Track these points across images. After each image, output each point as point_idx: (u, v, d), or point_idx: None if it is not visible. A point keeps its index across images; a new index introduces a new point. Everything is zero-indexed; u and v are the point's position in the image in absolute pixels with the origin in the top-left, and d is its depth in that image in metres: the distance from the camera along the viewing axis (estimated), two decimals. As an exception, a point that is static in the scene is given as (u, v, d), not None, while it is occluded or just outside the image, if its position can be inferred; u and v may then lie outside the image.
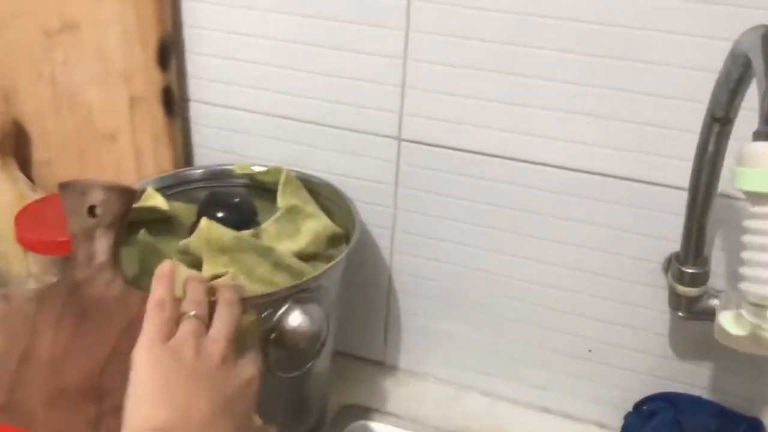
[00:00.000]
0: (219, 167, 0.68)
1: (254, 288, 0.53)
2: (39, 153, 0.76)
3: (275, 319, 0.52)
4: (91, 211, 0.52)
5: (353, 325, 0.74)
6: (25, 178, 0.75)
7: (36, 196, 0.74)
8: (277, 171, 0.64)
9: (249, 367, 0.45)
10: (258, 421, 0.46)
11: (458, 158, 0.62)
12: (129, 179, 0.72)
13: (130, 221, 0.60)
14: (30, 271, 0.69)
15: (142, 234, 0.55)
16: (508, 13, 0.56)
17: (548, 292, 0.65)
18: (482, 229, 0.65)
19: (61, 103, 0.71)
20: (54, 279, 0.69)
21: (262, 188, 0.66)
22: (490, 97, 0.59)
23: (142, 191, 0.64)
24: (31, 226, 0.66)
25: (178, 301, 0.45)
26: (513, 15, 0.56)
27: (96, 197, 0.52)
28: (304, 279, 0.54)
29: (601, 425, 0.69)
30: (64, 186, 0.53)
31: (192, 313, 0.44)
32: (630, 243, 0.60)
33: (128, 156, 0.71)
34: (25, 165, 0.77)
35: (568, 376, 0.69)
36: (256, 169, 0.66)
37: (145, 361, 0.41)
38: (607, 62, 0.55)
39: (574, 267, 0.63)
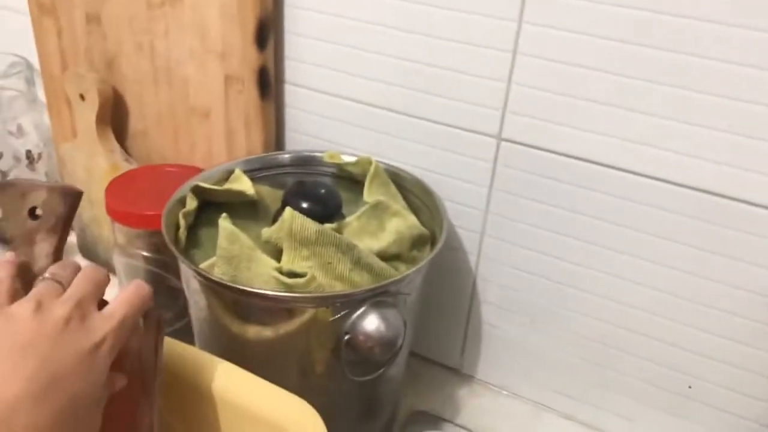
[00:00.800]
0: (308, 153, 0.66)
1: (332, 285, 0.51)
2: (135, 124, 0.76)
3: (350, 321, 0.49)
4: (32, 213, 0.47)
5: (431, 327, 0.71)
6: (121, 148, 0.76)
7: (129, 166, 0.75)
8: (366, 162, 0.61)
9: (97, 331, 0.37)
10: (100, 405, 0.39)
11: (561, 164, 0.57)
12: (220, 158, 0.71)
13: (216, 203, 0.59)
14: (116, 241, 0.70)
15: (224, 218, 0.53)
16: (633, 9, 0.50)
17: (647, 318, 0.59)
18: (579, 243, 0.60)
19: (158, 76, 0.71)
20: (140, 253, 0.70)
21: (350, 179, 0.64)
22: (602, 101, 0.54)
23: (230, 173, 0.63)
24: (119, 198, 0.67)
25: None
26: (637, 11, 0.50)
27: (37, 198, 0.47)
28: (384, 282, 0.51)
29: (693, 468, 0.63)
30: (2, 186, 0.49)
31: (47, 275, 0.39)
32: (746, 274, 0.54)
33: (220, 135, 0.70)
34: (121, 135, 0.77)
35: (660, 411, 0.63)
36: (346, 158, 0.64)
37: None
38: (752, 72, 0.48)
39: (680, 294, 0.57)
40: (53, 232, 0.47)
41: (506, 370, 0.70)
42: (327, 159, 0.64)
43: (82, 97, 0.74)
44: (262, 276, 0.51)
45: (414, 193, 0.62)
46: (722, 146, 0.51)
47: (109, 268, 0.74)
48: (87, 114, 0.75)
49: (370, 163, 0.61)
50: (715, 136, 0.51)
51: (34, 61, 0.82)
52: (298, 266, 0.50)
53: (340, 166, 0.64)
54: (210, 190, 0.58)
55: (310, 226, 0.51)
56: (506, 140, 0.59)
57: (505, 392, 0.71)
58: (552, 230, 0.60)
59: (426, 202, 0.61)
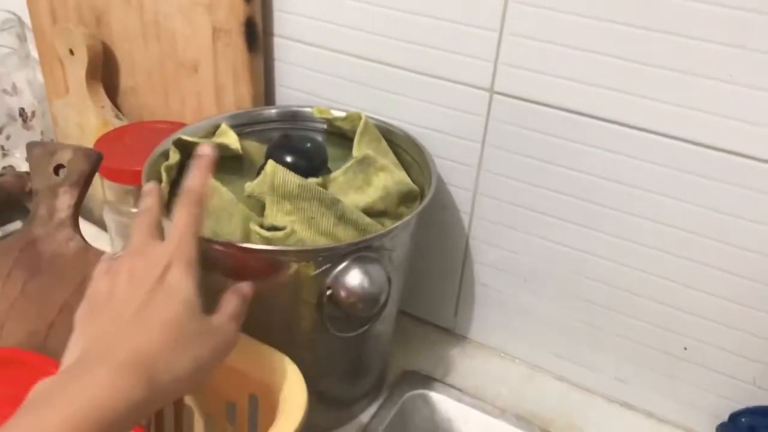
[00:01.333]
0: (297, 108, 0.64)
1: (315, 240, 0.50)
2: (126, 80, 0.75)
3: (332, 275, 0.48)
4: (57, 170, 0.53)
5: (424, 287, 0.70)
6: (112, 105, 0.75)
7: (120, 123, 0.74)
8: (355, 117, 0.60)
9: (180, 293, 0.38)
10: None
11: (556, 118, 0.55)
12: (209, 112, 0.70)
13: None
14: (106, 197, 0.69)
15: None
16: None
17: (643, 278, 0.58)
18: (575, 201, 0.58)
19: (147, 31, 0.69)
20: (129, 209, 0.69)
21: (340, 135, 0.62)
22: (599, 51, 0.51)
23: (217, 127, 0.61)
24: (108, 154, 0.66)
25: None
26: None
27: (63, 157, 0.53)
28: (367, 236, 0.49)
29: (689, 431, 0.62)
30: (33, 145, 0.54)
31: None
32: (745, 233, 0.52)
33: (209, 90, 0.68)
34: (112, 92, 0.76)
35: (656, 373, 0.61)
36: (335, 113, 0.62)
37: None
38: (760, 19, 0.45)
39: (676, 253, 0.55)
40: (75, 186, 0.53)
41: (500, 331, 0.68)
42: (316, 114, 0.63)
43: (71, 52, 0.73)
44: (243, 230, 0.50)
45: (405, 149, 0.61)
46: (724, 98, 0.49)
47: (102, 226, 0.74)
48: (77, 70, 0.73)
49: (359, 118, 0.59)
50: (717, 87, 0.48)
51: (26, 17, 0.81)
52: (281, 221, 0.49)
53: (330, 122, 0.62)
54: (193, 143, 0.57)
55: (292, 179, 0.49)
56: (499, 93, 0.57)
57: (498, 353, 0.69)
58: (547, 188, 0.59)
59: (416, 158, 0.60)
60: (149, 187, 0.45)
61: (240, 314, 0.42)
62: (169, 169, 0.55)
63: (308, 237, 0.50)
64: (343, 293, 0.48)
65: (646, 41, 0.49)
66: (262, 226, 0.50)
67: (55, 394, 0.32)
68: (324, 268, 0.48)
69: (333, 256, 0.48)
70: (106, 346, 0.35)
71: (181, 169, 0.57)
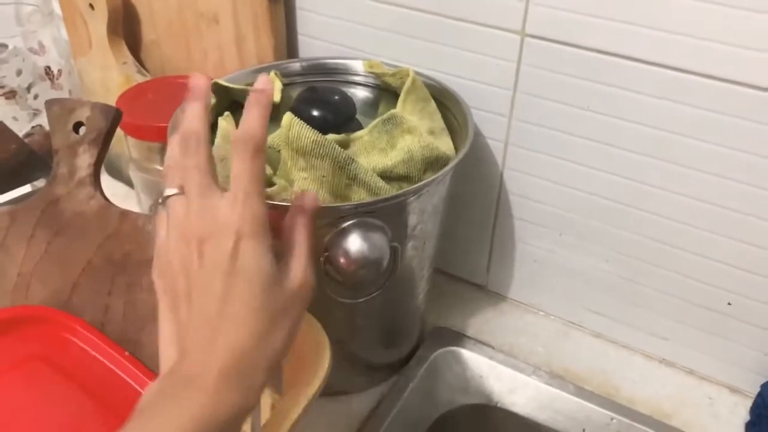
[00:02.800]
0: (343, 61, 0.62)
1: (326, 200, 0.48)
2: (147, 34, 0.73)
3: (329, 237, 0.46)
4: (76, 128, 0.52)
5: (455, 243, 0.68)
6: (134, 60, 0.74)
7: (143, 78, 0.73)
8: (404, 74, 0.56)
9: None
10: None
11: (592, 61, 0.52)
12: (232, 66, 0.68)
13: (242, 104, 0.56)
14: (131, 156, 0.68)
15: (224, 117, 0.51)
16: None
17: (683, 230, 0.55)
18: (611, 149, 0.55)
19: (166, -19, 0.68)
20: (155, 167, 0.69)
21: (392, 91, 0.59)
22: (639, -14, 0.48)
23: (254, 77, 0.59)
24: (130, 110, 0.65)
25: None
26: None
27: (82, 114, 0.52)
28: (367, 200, 0.47)
29: (732, 389, 0.59)
30: (51, 102, 0.53)
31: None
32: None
33: (230, 41, 0.67)
34: (135, 47, 0.75)
35: (696, 330, 0.59)
36: (386, 68, 0.59)
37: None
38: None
39: (718, 203, 0.52)
40: (95, 144, 0.51)
41: (534, 287, 0.66)
42: (366, 68, 0.60)
43: (91, 6, 0.72)
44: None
45: (454, 114, 0.57)
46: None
47: (131, 185, 0.74)
48: (98, 25, 0.72)
49: (407, 74, 0.56)
50: (764, 22, 0.44)
51: (48, -28, 0.80)
52: (295, 176, 0.47)
53: (381, 77, 0.59)
54: (229, 88, 0.55)
55: (308, 134, 0.47)
56: (531, 36, 0.54)
57: (532, 310, 0.68)
58: (582, 136, 0.55)
59: (456, 115, 0.57)
60: (194, 108, 0.38)
61: (310, 258, 0.38)
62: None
63: (318, 195, 0.48)
64: (340, 257, 0.46)
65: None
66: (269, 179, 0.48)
67: (160, 408, 0.32)
68: (323, 227, 0.46)
69: (333, 216, 0.46)
70: (203, 350, 0.34)
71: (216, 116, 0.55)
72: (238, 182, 0.36)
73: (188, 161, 0.37)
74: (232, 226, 0.35)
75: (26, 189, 0.68)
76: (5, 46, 0.82)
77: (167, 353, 0.35)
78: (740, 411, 0.58)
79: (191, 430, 0.31)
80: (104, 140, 0.51)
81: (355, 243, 0.45)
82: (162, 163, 0.67)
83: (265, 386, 0.36)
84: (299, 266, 0.37)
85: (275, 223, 0.39)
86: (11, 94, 0.82)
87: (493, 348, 0.63)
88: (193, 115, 0.38)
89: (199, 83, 0.39)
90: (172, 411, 0.32)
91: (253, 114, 0.37)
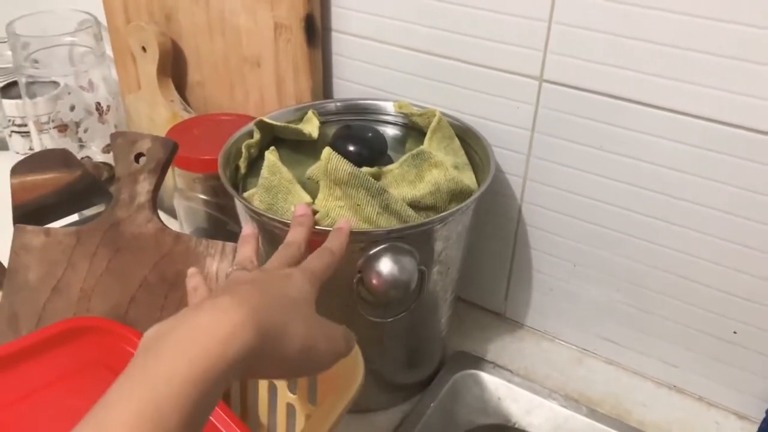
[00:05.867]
0: (381, 102, 0.67)
1: (359, 226, 0.52)
2: (193, 75, 0.80)
3: (363, 259, 0.51)
4: (137, 158, 0.58)
5: (475, 272, 0.72)
6: (180, 99, 0.80)
7: (188, 115, 0.79)
8: (431, 114, 0.61)
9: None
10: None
11: (605, 105, 0.57)
12: (271, 106, 0.74)
13: (283, 139, 0.63)
14: (176, 185, 0.74)
15: (270, 151, 0.56)
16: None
17: (693, 262, 0.59)
18: (623, 186, 0.59)
19: (214, 27, 0.74)
20: (198, 196, 0.74)
21: (420, 131, 0.64)
22: (646, 39, 0.53)
23: (303, 114, 0.65)
24: (179, 144, 0.71)
25: None
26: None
27: (143, 146, 0.57)
28: (398, 226, 0.52)
29: (740, 415, 0.62)
30: (116, 135, 0.59)
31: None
32: (798, 217, 0.52)
33: (271, 83, 0.72)
34: (181, 86, 0.81)
35: (705, 357, 0.62)
36: (414, 109, 0.64)
37: None
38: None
39: (725, 237, 0.56)
40: (153, 173, 0.57)
41: (549, 315, 0.70)
42: (396, 109, 0.66)
43: (144, 49, 0.78)
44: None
45: (475, 150, 0.62)
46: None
47: (172, 213, 0.79)
48: (149, 66, 0.79)
49: (434, 115, 0.61)
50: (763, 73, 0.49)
51: (102, 17, 0.86)
52: (332, 205, 0.52)
53: (409, 117, 0.65)
54: (272, 125, 0.61)
55: (344, 167, 0.52)
56: (548, 81, 0.59)
57: (548, 336, 0.71)
58: (595, 173, 0.60)
59: (478, 151, 0.62)
60: (302, 217, 0.49)
61: (350, 338, 0.44)
62: (249, 147, 0.59)
63: (352, 222, 0.52)
64: (372, 278, 0.50)
65: (693, 28, 0.50)
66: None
67: (164, 340, 0.32)
68: (356, 251, 0.51)
69: (366, 240, 0.51)
70: (215, 296, 0.35)
71: (261, 149, 0.61)
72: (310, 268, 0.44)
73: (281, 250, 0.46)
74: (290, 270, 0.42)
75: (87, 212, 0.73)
76: (57, 83, 0.89)
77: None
78: (747, 436, 0.61)
79: (190, 361, 0.31)
80: (162, 169, 0.57)
81: (386, 265, 0.50)
82: (204, 193, 0.72)
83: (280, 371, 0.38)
84: (344, 332, 0.43)
85: (315, 245, 0.46)
86: (63, 128, 0.89)
87: (510, 372, 0.67)
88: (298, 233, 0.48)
89: (307, 212, 0.50)
90: (171, 343, 0.32)
91: (298, 230, 0.47)
